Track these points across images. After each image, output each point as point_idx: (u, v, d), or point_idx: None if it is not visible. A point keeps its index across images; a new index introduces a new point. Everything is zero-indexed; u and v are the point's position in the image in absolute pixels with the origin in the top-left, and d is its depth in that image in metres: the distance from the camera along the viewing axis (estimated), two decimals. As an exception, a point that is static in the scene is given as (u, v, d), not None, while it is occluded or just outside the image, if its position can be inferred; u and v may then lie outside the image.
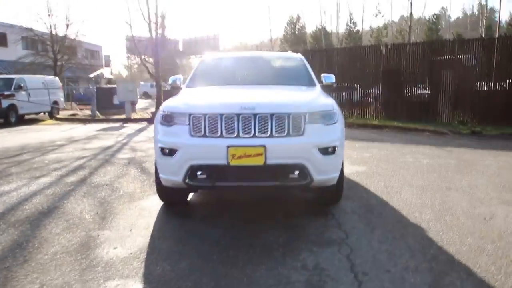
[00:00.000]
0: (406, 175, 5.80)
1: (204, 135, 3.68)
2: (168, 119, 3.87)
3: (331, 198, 4.30)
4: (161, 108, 4.07)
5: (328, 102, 4.04)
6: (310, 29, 61.16)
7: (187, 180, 3.73)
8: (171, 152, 3.77)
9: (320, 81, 5.14)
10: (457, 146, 8.71)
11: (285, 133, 3.65)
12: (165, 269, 2.88)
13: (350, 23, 53.96)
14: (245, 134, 3.64)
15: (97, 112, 16.61)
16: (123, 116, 16.06)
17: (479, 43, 12.89)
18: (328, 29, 57.13)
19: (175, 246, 3.30)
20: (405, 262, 2.97)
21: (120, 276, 2.77)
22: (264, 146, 3.57)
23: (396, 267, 2.90)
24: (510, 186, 5.13)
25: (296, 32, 58.87)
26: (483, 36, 42.53)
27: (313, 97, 4.21)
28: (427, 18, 53.27)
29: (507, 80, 12.24)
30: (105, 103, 17.74)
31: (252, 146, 3.59)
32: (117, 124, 14.52)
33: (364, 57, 14.74)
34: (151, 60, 19.72)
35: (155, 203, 4.47)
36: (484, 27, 46.37)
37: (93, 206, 4.38)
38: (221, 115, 3.67)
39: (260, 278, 2.74)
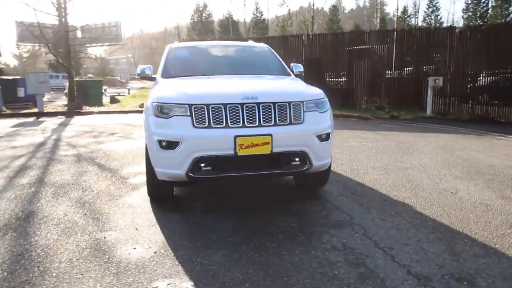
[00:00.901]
0: (362, 158, 6.27)
1: (209, 126, 3.62)
2: (165, 111, 3.72)
3: (320, 183, 4.51)
4: (153, 98, 3.87)
5: (319, 91, 4.22)
6: (217, 17, 61.06)
7: (190, 173, 3.65)
8: (172, 144, 3.64)
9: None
10: (387, 130, 9.58)
11: (287, 122, 3.76)
12: (203, 263, 2.82)
13: (257, 12, 54.95)
14: (250, 123, 3.66)
15: (3, 107, 14.76)
16: (35, 110, 14.54)
17: (388, 34, 14.19)
18: (235, 17, 57.47)
19: (195, 241, 3.22)
20: (415, 235, 3.29)
21: (163, 275, 2.65)
22: (270, 135, 3.64)
23: (410, 240, 3.20)
24: (452, 163, 5.86)
25: (203, 20, 58.32)
26: (377, 27, 46.51)
27: (304, 86, 4.35)
28: (325, 9, 56.43)
29: (405, 69, 13.72)
30: (9, 97, 15.83)
31: (259, 135, 3.64)
32: (30, 119, 13.13)
33: (288, 46, 15.29)
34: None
35: (140, 200, 4.28)
36: (378, 18, 50.64)
37: (75, 208, 4.03)
38: (225, 105, 3.65)
39: (301, 262, 2.83)
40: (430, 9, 51.00)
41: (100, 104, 17.85)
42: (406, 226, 3.49)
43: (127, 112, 14.86)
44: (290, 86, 4.40)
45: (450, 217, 3.70)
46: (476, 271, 2.69)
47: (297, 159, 3.85)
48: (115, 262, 2.86)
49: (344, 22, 58.84)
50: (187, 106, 3.67)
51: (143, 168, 5.62)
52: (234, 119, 3.64)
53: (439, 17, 52.74)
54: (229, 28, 51.64)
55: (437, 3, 53.12)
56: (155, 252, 3.01)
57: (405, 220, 3.63)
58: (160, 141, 3.69)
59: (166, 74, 4.81)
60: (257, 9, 55.15)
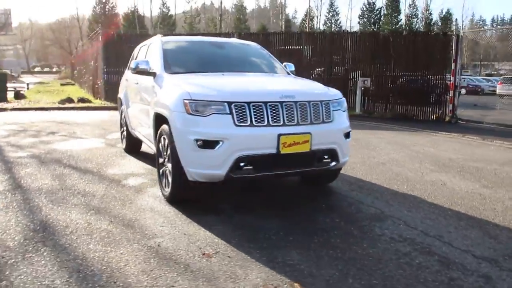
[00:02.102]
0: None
1: (251, 125, 3.53)
2: (201, 108, 3.53)
3: (332, 179, 4.65)
4: (181, 95, 3.63)
5: (338, 91, 4.36)
6: (122, 10, 57.97)
7: (230, 173, 3.52)
8: (211, 144, 3.47)
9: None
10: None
11: (321, 120, 3.84)
12: (289, 263, 2.76)
13: (163, 7, 53.41)
14: (289, 122, 3.66)
15: None
16: None
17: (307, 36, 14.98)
18: (141, 11, 55.19)
19: (258, 241, 3.11)
20: (449, 224, 3.61)
21: (262, 279, 2.54)
22: (310, 133, 3.68)
23: (449, 228, 3.50)
24: (418, 158, 6.46)
25: (107, 12, 54.88)
26: (282, 28, 48.58)
27: (322, 86, 4.44)
28: (227, 8, 57.20)
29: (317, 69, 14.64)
30: None
31: (300, 133, 3.66)
32: None
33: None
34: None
35: (157, 203, 3.99)
36: (284, 20, 52.79)
37: (91, 215, 3.60)
38: (265, 103, 3.60)
39: (379, 255, 2.93)
40: (331, 14, 54.62)
41: (4, 99, 15.82)
42: (434, 216, 3.79)
43: (48, 109, 13.43)
44: (313, 86, 4.47)
45: (460, 206, 4.11)
46: (523, 250, 3.06)
47: (326, 156, 3.94)
48: (196, 270, 2.65)
49: (250, 22, 60.15)
50: (226, 103, 3.53)
51: (129, 169, 5.29)
52: (275, 117, 3.61)
53: (338, 22, 56.77)
54: (135, 23, 49.48)
55: (336, 8, 57.23)
56: (229, 257, 2.86)
57: (428, 211, 3.94)
58: (197, 140, 3.49)
59: (169, 70, 4.52)
60: (164, 4, 53.67)
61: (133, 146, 6.33)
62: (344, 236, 3.27)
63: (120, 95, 6.44)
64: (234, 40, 5.78)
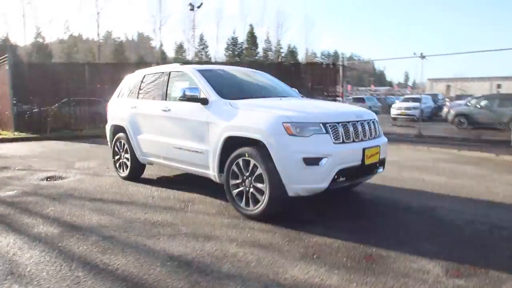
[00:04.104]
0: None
1: (343, 142, 3.75)
2: (301, 130, 3.62)
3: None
4: (279, 118, 3.64)
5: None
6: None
7: (331, 185, 3.67)
8: (317, 161, 3.59)
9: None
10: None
11: (378, 135, 4.27)
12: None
13: (38, 37, 47.32)
14: (365, 137, 3.99)
15: None
16: None
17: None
18: (12, 40, 47.74)
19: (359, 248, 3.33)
20: (479, 209, 4.32)
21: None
22: (379, 146, 4.07)
23: (491, 211, 4.22)
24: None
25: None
26: (159, 60, 47.80)
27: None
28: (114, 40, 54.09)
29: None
30: None
31: (375, 146, 4.02)
32: None
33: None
34: None
35: (239, 220, 3.82)
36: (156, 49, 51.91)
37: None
38: (348, 122, 3.87)
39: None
40: (201, 46, 55.72)
41: None
42: (461, 206, 4.48)
43: None
44: (357, 107, 4.81)
45: (463, 193, 4.92)
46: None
47: (378, 164, 4.34)
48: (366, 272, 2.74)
49: (128, 53, 57.52)
50: (321, 124, 3.68)
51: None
52: (356, 134, 3.89)
53: (208, 53, 58.31)
54: (4, 51, 42.42)
55: (205, 41, 58.75)
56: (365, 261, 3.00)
57: (450, 203, 4.62)
58: (305, 159, 3.54)
59: (222, 95, 4.39)
60: (39, 33, 47.39)
61: (137, 172, 5.78)
62: (399, 232, 3.68)
63: (121, 123, 5.79)
64: (247, 69, 5.78)
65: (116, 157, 6.03)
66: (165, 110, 4.93)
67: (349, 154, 3.76)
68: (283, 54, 61.71)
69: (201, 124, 4.38)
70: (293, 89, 5.69)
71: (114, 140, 6.01)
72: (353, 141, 3.85)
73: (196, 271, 2.77)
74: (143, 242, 3.34)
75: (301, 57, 62.07)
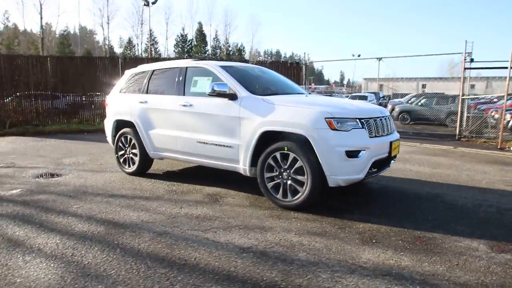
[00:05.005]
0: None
1: (375, 135, 3.95)
2: (343, 125, 3.75)
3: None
4: (322, 113, 3.72)
5: (385, 108, 5.08)
6: None
7: (366, 175, 3.85)
8: (357, 153, 3.76)
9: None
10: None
11: (394, 130, 4.51)
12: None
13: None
14: (388, 132, 4.24)
15: None
16: None
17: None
18: None
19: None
20: (484, 193, 4.77)
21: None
22: (399, 139, 4.33)
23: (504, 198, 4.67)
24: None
25: None
26: (107, 54, 45.10)
27: (361, 103, 5.08)
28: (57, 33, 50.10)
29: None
30: None
31: (397, 139, 4.28)
32: None
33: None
34: None
35: (278, 212, 3.87)
36: (107, 46, 49.07)
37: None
38: (376, 118, 4.07)
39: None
40: (150, 43, 53.52)
41: None
42: (460, 193, 4.91)
43: None
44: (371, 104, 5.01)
45: (452, 181, 5.38)
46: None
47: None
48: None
49: (73, 47, 53.45)
50: (357, 120, 3.83)
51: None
52: (383, 129, 4.10)
53: (157, 50, 56.26)
54: None
55: (155, 38, 56.60)
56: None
57: (448, 190, 5.04)
58: (347, 152, 3.67)
59: (252, 91, 4.37)
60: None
61: (144, 168, 5.55)
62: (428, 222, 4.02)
63: (128, 118, 5.48)
64: (256, 66, 5.77)
65: (120, 153, 5.70)
66: (185, 105, 4.76)
67: (380, 147, 3.96)
68: (231, 53, 61.51)
69: (231, 119, 4.31)
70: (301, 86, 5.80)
71: (118, 135, 5.67)
72: (382, 135, 4.06)
73: (278, 260, 2.78)
74: (203, 235, 3.24)
75: (247, 55, 62.32)
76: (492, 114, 12.78)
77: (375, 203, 4.32)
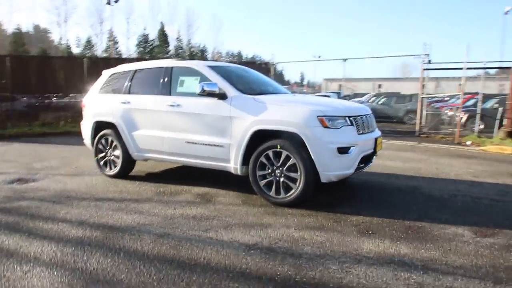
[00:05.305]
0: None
1: (362, 133, 4.12)
2: (333, 123, 3.87)
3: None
4: (314, 112, 3.82)
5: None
6: None
7: (355, 170, 4.00)
8: (347, 150, 3.89)
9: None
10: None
11: (375, 127, 4.71)
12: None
13: None
14: (372, 129, 4.42)
15: None
16: None
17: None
18: None
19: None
20: (445, 187, 5.09)
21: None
22: (381, 136, 4.53)
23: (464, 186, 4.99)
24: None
25: None
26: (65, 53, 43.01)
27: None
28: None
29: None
30: None
31: (380, 136, 4.47)
32: None
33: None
34: None
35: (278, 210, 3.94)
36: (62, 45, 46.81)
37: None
38: (362, 116, 4.24)
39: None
40: (111, 42, 51.48)
41: None
42: (435, 185, 5.21)
43: None
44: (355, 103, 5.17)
45: (424, 174, 5.70)
46: None
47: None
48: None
49: (28, 46, 50.15)
50: (346, 117, 3.98)
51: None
52: (367, 126, 4.28)
53: (118, 50, 54.22)
54: None
55: (116, 37, 54.57)
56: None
57: (423, 182, 5.33)
58: (339, 148, 3.80)
59: (241, 91, 4.39)
60: None
61: (127, 170, 5.40)
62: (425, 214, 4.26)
63: (109, 119, 5.29)
64: (240, 66, 5.75)
65: (100, 155, 5.48)
66: (173, 106, 4.68)
67: (367, 143, 4.13)
68: (193, 53, 60.65)
69: (222, 119, 4.30)
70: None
71: (98, 137, 5.45)
72: (368, 132, 4.23)
73: (286, 255, 2.82)
74: (205, 235, 3.22)
75: (209, 56, 61.70)
76: (446, 111, 13.65)
77: (361, 197, 4.49)
